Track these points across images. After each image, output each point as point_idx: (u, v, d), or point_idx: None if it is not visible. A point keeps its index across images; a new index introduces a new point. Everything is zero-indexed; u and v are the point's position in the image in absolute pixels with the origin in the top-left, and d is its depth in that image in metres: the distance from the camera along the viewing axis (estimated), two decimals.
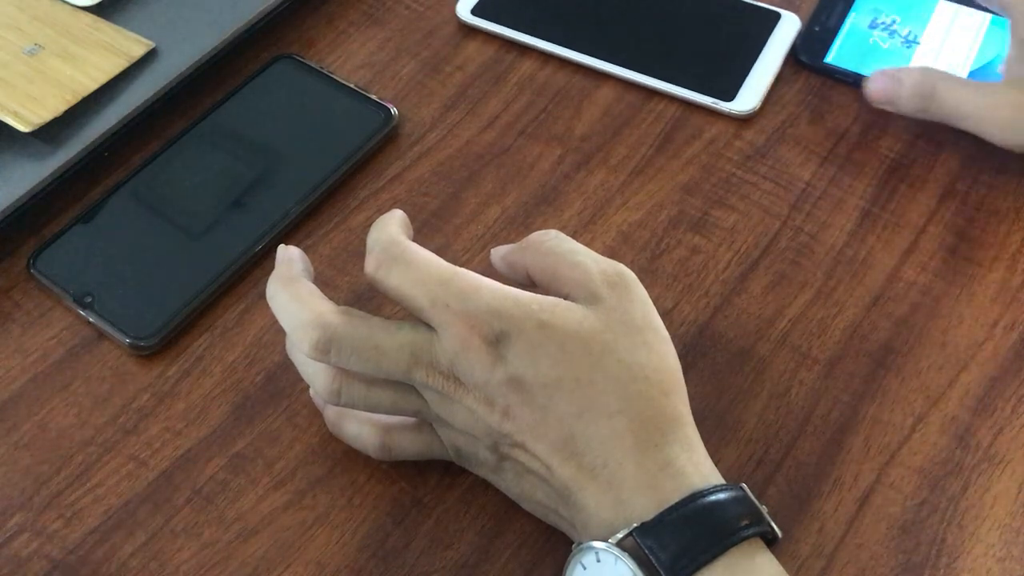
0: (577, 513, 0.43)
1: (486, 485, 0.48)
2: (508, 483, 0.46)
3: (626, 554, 0.40)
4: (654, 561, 0.40)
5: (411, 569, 0.46)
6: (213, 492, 0.48)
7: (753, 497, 0.42)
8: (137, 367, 0.52)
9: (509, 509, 0.47)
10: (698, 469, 0.42)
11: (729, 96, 0.61)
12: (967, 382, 0.51)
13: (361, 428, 0.47)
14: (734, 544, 0.40)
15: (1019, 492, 0.48)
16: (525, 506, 0.46)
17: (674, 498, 0.41)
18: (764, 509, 0.42)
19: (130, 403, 0.51)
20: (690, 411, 0.44)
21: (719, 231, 0.57)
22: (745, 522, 0.41)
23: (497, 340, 0.42)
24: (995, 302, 0.54)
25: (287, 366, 0.52)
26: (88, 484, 0.49)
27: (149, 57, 0.60)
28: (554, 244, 0.47)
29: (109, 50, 0.60)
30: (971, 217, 0.57)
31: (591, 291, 0.45)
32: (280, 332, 0.53)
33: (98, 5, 0.62)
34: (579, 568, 0.42)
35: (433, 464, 0.49)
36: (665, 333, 0.45)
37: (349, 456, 0.49)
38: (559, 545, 0.46)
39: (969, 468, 0.49)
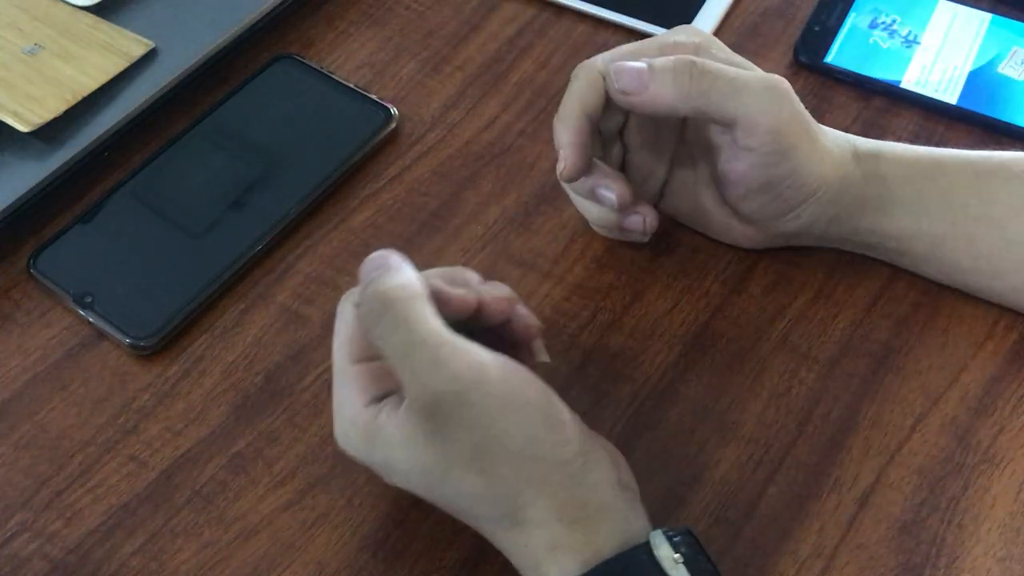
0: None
1: None
2: None
3: None
4: None
5: (411, 569, 0.46)
6: (213, 492, 0.48)
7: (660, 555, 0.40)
8: (137, 367, 0.52)
9: None
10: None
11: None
12: (967, 382, 0.51)
13: None
14: None
15: (1019, 492, 0.48)
16: None
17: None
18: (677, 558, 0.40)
19: (130, 403, 0.51)
20: (551, 503, 0.41)
21: None
22: None
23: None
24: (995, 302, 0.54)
25: (286, 366, 0.52)
26: (88, 484, 0.49)
27: (149, 57, 0.60)
28: (381, 336, 0.41)
29: (109, 50, 0.60)
30: None
31: (416, 418, 0.41)
32: (278, 333, 0.53)
33: (98, 5, 0.62)
34: None
35: None
36: (511, 439, 0.40)
37: (349, 456, 0.49)
38: None
39: (969, 468, 0.49)
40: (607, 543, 0.40)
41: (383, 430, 0.42)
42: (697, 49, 0.50)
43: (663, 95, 0.48)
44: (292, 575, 0.46)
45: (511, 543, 0.42)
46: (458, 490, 0.42)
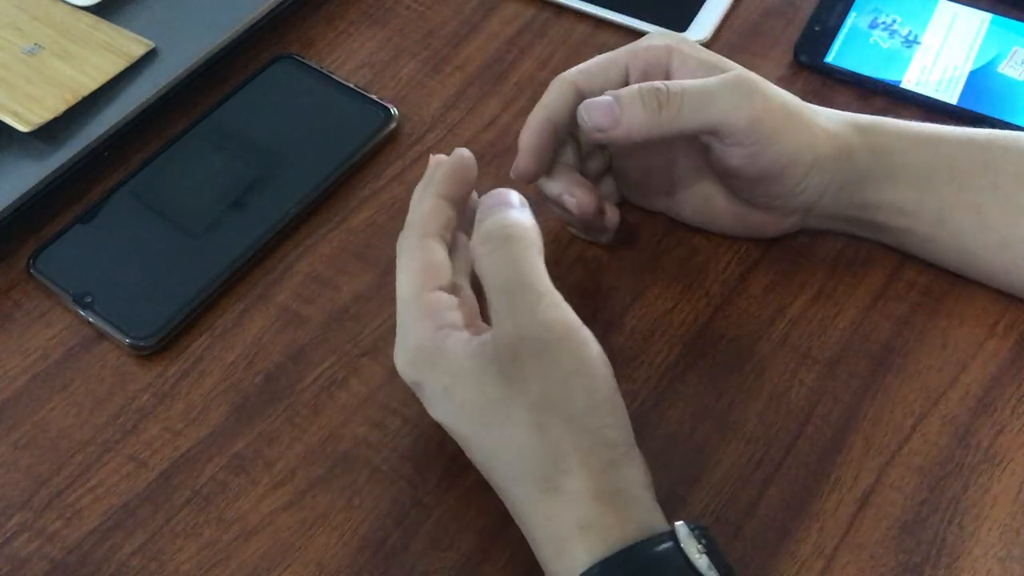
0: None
1: (486, 486, 0.48)
2: None
3: None
4: None
5: (411, 569, 0.46)
6: (213, 492, 0.48)
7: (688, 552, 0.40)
8: (137, 367, 0.52)
9: None
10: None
11: (682, 27, 0.64)
12: (967, 382, 0.51)
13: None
14: None
15: (1019, 492, 0.48)
16: None
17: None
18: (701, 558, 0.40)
19: (130, 403, 0.51)
20: (589, 478, 0.42)
21: None
22: None
23: (415, 386, 0.46)
24: (995, 302, 0.54)
25: (286, 366, 0.52)
26: (88, 484, 0.49)
27: (149, 57, 0.60)
28: (491, 267, 0.44)
29: (109, 50, 0.60)
30: None
31: (496, 352, 0.43)
32: (278, 333, 0.53)
33: (98, 5, 0.62)
34: None
35: (433, 464, 0.49)
36: (574, 402, 0.42)
37: (349, 456, 0.49)
38: None
39: (969, 468, 0.49)
40: (634, 531, 0.41)
41: (453, 355, 0.43)
42: (669, 52, 0.51)
43: (636, 126, 0.49)
44: (292, 575, 0.46)
45: (538, 513, 0.42)
46: (508, 437, 0.43)
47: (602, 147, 0.54)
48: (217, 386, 0.52)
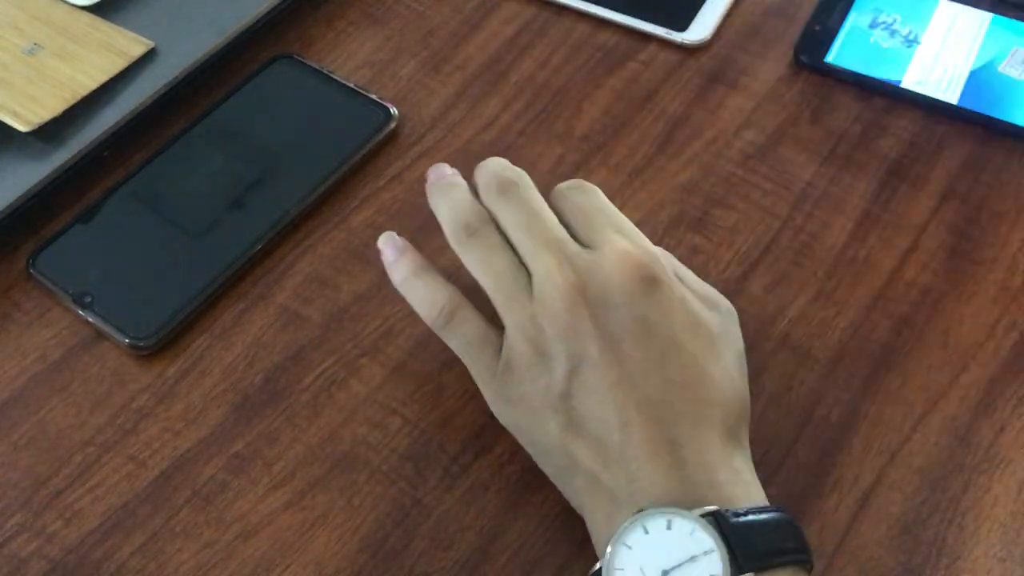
0: (623, 479, 0.42)
1: (486, 485, 0.48)
2: (553, 425, 0.45)
3: (711, 524, 0.40)
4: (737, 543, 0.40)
5: (411, 569, 0.46)
6: (212, 492, 0.48)
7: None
8: (136, 367, 0.52)
9: (509, 510, 0.47)
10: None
11: (682, 27, 0.64)
12: (968, 382, 0.51)
13: (435, 285, 0.49)
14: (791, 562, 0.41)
15: (1020, 492, 0.48)
16: (547, 461, 0.46)
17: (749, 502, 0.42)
18: None
19: (129, 403, 0.51)
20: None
21: (719, 231, 0.57)
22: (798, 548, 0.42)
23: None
24: (995, 302, 0.54)
25: (286, 366, 0.52)
26: (87, 484, 0.49)
27: (149, 57, 0.60)
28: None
29: (108, 50, 0.60)
30: (971, 217, 0.57)
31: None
32: (278, 333, 0.53)
33: (98, 5, 0.62)
34: (638, 531, 0.40)
35: (433, 464, 0.49)
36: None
37: (349, 457, 0.49)
38: (559, 546, 0.46)
39: (970, 468, 0.49)
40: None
41: None
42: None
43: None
44: (292, 575, 0.46)
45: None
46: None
47: None
48: (217, 386, 0.52)
